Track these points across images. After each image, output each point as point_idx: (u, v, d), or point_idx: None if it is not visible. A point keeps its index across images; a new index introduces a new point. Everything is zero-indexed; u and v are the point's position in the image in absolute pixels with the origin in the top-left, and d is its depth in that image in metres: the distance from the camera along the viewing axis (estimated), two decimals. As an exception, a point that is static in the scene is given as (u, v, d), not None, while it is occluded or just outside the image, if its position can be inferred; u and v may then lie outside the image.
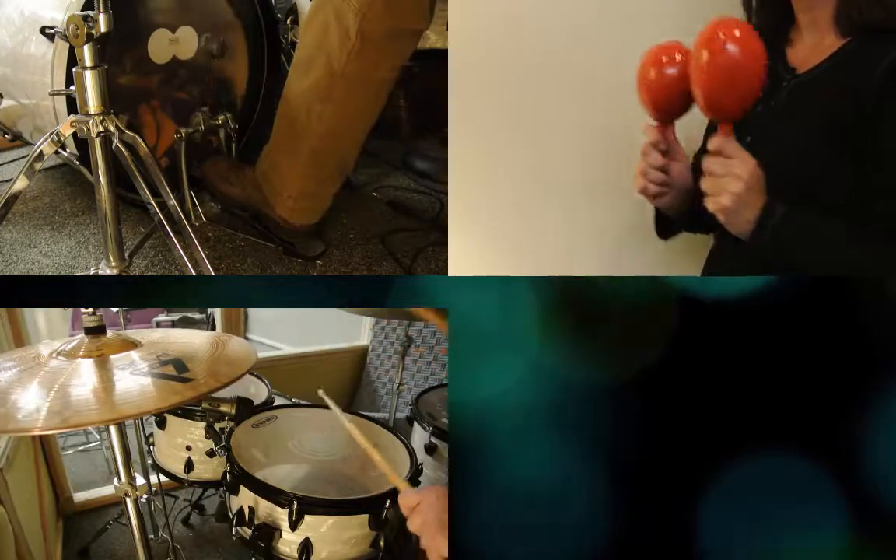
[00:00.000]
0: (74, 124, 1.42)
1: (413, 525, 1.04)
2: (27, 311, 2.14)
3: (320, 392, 1.57)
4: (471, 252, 1.59)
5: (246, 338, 3.05)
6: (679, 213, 1.22)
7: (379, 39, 1.69)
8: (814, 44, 1.11)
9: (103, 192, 1.46)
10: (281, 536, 1.39)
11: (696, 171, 1.17)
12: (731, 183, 1.01)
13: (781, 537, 0.97)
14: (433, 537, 1.01)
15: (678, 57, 1.09)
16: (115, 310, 2.05)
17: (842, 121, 1.03)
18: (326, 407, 1.74)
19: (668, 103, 1.12)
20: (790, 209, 1.03)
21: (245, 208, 1.97)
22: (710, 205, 1.04)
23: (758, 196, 1.02)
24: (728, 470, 0.97)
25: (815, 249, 1.04)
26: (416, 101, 2.45)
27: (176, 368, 1.29)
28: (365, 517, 1.39)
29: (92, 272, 1.64)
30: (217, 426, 1.56)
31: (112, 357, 1.32)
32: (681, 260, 1.48)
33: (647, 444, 1.01)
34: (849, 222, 1.03)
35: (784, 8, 1.13)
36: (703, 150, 1.13)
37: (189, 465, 1.74)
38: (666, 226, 1.30)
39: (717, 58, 0.99)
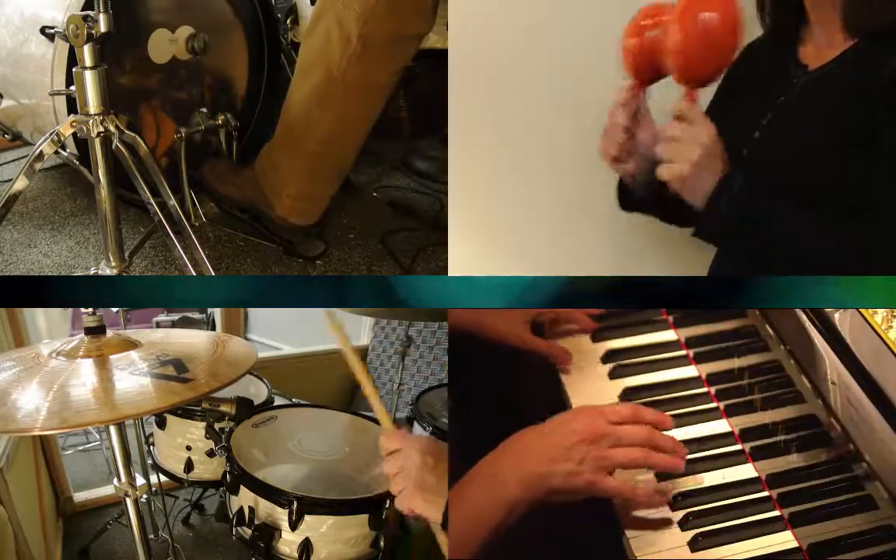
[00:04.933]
0: (74, 124, 1.42)
1: (390, 466, 1.03)
2: (27, 311, 2.14)
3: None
4: (471, 252, 1.59)
5: (246, 338, 3.05)
6: (640, 187, 1.19)
7: (381, 44, 1.69)
8: (825, 42, 1.10)
9: (103, 192, 1.46)
10: (281, 536, 1.39)
11: None
12: (691, 149, 0.99)
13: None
14: (409, 491, 0.99)
15: (664, 18, 1.07)
16: (115, 310, 2.05)
17: (851, 117, 1.03)
18: (326, 407, 1.75)
19: (647, 63, 1.10)
20: (749, 184, 1.00)
21: (244, 209, 1.96)
22: (667, 172, 1.01)
23: (717, 163, 1.00)
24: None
25: (774, 230, 1.01)
26: (416, 101, 2.45)
27: (176, 369, 1.29)
28: (365, 517, 1.39)
29: (92, 272, 1.64)
30: (217, 426, 1.56)
31: (112, 357, 1.32)
32: (684, 261, 1.48)
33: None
34: (854, 218, 1.03)
35: (796, 6, 1.14)
36: None
37: (189, 465, 1.74)
38: (627, 197, 1.27)
39: (691, 23, 0.99)
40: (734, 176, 1.00)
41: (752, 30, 1.23)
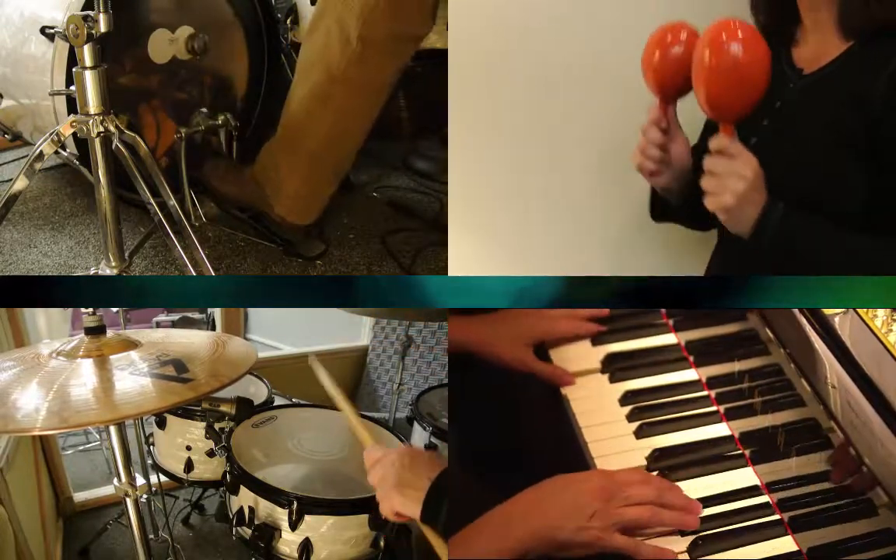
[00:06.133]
0: (74, 124, 1.41)
1: (372, 478, 1.07)
2: (27, 311, 2.14)
3: (310, 359, 1.53)
4: (471, 252, 1.59)
5: (246, 338, 3.05)
6: (675, 196, 1.22)
7: (380, 44, 1.69)
8: (819, 45, 1.10)
9: (103, 192, 1.46)
10: (281, 536, 1.39)
11: (696, 163, 1.17)
12: (735, 182, 1.01)
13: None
14: (388, 493, 1.02)
15: (683, 36, 1.10)
16: (115, 310, 2.05)
17: (847, 123, 1.03)
18: (326, 407, 1.75)
19: (671, 81, 1.12)
20: (790, 209, 1.03)
21: (244, 208, 1.96)
22: (712, 204, 1.03)
23: (760, 195, 1.02)
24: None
25: (815, 249, 1.04)
26: (416, 101, 2.45)
27: (176, 369, 1.29)
28: (365, 517, 1.39)
29: (92, 272, 1.64)
30: (217, 426, 1.56)
31: (112, 357, 1.32)
32: (683, 260, 1.48)
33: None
34: (851, 224, 1.03)
35: (790, 8, 1.13)
36: (702, 146, 1.13)
37: (189, 465, 1.74)
38: (661, 209, 1.29)
39: (720, 58, 0.99)
40: (776, 205, 1.02)
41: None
